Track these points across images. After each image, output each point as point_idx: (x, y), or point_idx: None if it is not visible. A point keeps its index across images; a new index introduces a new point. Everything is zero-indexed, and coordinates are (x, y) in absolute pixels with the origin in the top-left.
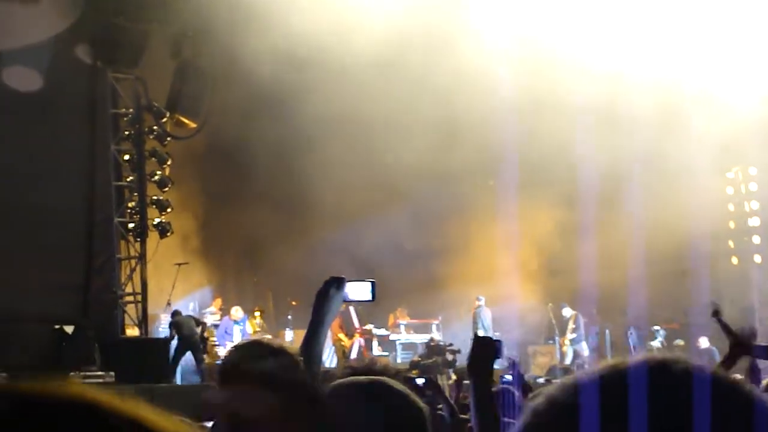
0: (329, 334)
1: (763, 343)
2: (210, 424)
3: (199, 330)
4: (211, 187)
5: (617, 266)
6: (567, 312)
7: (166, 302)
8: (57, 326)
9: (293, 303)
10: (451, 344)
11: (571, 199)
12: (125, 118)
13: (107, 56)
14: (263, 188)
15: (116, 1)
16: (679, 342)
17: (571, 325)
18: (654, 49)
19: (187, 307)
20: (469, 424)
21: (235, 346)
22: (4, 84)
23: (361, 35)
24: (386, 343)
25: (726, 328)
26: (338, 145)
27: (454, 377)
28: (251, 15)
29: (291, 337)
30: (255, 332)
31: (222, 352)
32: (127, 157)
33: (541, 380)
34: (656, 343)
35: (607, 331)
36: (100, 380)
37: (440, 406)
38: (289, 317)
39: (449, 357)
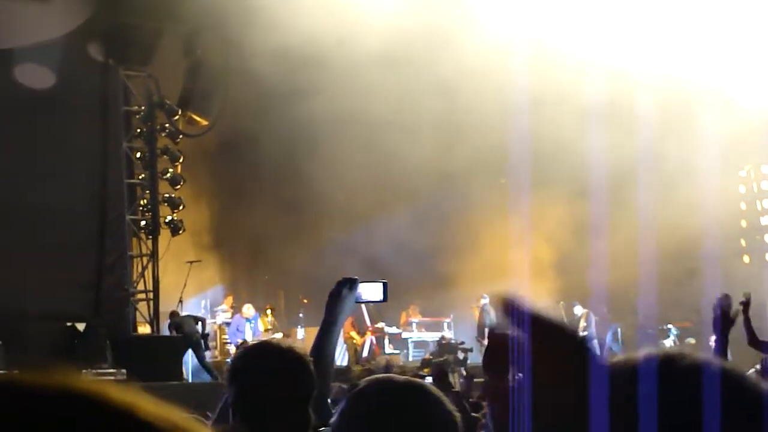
0: (341, 332)
1: None
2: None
3: (199, 326)
4: (222, 184)
5: (628, 264)
6: (578, 310)
7: (178, 300)
8: (69, 324)
9: (305, 301)
10: (462, 342)
11: (581, 197)
12: (137, 116)
13: (119, 54)
14: (272, 186)
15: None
16: (691, 340)
17: (582, 324)
18: (665, 46)
19: (199, 305)
20: (483, 421)
21: (244, 347)
22: (16, 82)
23: (366, 33)
24: (398, 341)
25: (748, 321)
26: (346, 143)
27: (465, 375)
28: (258, 12)
29: (302, 335)
30: (266, 330)
31: (233, 350)
32: (139, 154)
33: None
34: (669, 342)
35: (618, 330)
36: (112, 377)
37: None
38: (301, 315)
39: (460, 355)
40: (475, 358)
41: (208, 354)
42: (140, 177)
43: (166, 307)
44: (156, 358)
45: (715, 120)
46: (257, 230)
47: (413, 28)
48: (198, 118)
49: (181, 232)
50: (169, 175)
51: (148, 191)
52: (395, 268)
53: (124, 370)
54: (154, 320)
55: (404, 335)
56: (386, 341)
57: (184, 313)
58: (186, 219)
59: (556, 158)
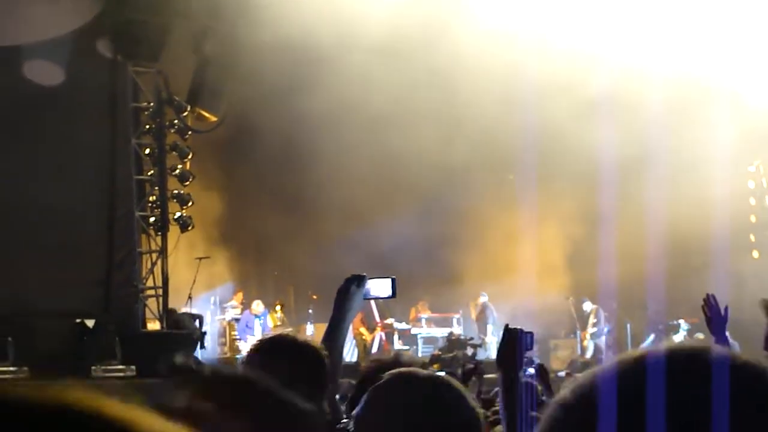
0: (350, 327)
1: None
2: None
3: (197, 324)
4: (230, 180)
5: (637, 260)
6: (588, 306)
7: (187, 296)
8: (78, 320)
9: (314, 297)
10: (471, 338)
11: (591, 193)
12: (146, 112)
13: (128, 50)
14: (279, 182)
15: None
16: (700, 336)
17: (592, 320)
18: (674, 40)
19: (209, 301)
20: (495, 417)
21: (259, 341)
22: (25, 78)
23: (366, 26)
24: (407, 337)
25: None
26: (350, 139)
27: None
28: (260, 7)
29: (312, 331)
30: (276, 326)
31: (243, 346)
32: (147, 151)
33: (561, 374)
34: (679, 337)
35: (628, 326)
36: (121, 374)
37: None
38: (310, 311)
39: (470, 351)
40: (481, 354)
41: (217, 351)
42: (149, 173)
43: (175, 303)
44: (166, 355)
45: (724, 115)
46: (266, 226)
47: (413, 20)
48: (207, 114)
49: (190, 228)
50: (178, 171)
51: (157, 188)
52: (404, 264)
53: (133, 367)
54: (163, 317)
55: (413, 331)
56: (395, 337)
57: (191, 310)
58: (195, 215)
59: (564, 153)
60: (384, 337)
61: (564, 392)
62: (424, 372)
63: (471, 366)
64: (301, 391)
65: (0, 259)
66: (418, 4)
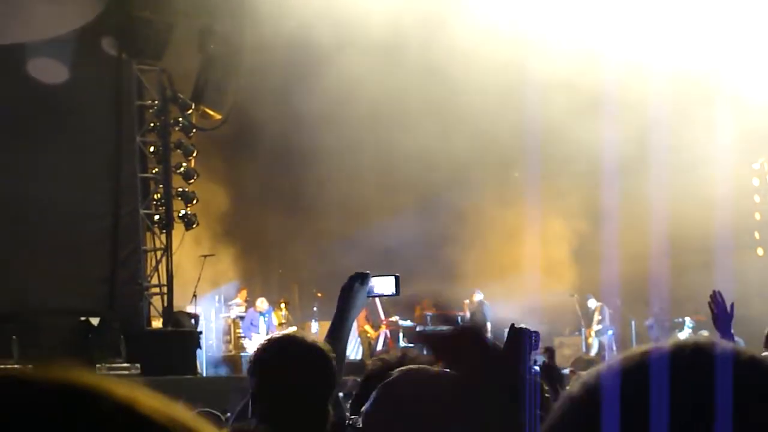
0: (355, 325)
1: None
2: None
3: (193, 323)
4: (234, 178)
5: (642, 258)
6: (592, 303)
7: (192, 294)
8: (83, 318)
9: (319, 294)
10: None
11: (593, 191)
12: (150, 110)
13: (132, 48)
14: (283, 181)
15: None
16: (705, 333)
17: (596, 317)
18: (678, 38)
19: (213, 299)
20: None
21: (267, 341)
22: (29, 76)
23: (366, 23)
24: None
25: None
26: (352, 137)
27: None
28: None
29: (316, 329)
30: (280, 324)
31: (248, 343)
32: (152, 149)
33: (566, 371)
34: (684, 334)
35: (633, 323)
36: (126, 372)
37: None
38: (315, 309)
39: None
40: None
41: (222, 348)
42: (154, 171)
43: (180, 301)
44: (170, 353)
45: (728, 113)
46: (271, 224)
47: (414, 18)
48: (211, 112)
49: (194, 226)
50: (182, 169)
51: (161, 185)
52: (409, 262)
53: (138, 365)
54: (169, 315)
55: (418, 329)
56: (400, 335)
57: (195, 308)
58: (199, 213)
59: (566, 150)
60: (389, 335)
61: (569, 389)
62: (434, 369)
63: None
64: (310, 391)
65: (4, 256)
66: (420, 1)
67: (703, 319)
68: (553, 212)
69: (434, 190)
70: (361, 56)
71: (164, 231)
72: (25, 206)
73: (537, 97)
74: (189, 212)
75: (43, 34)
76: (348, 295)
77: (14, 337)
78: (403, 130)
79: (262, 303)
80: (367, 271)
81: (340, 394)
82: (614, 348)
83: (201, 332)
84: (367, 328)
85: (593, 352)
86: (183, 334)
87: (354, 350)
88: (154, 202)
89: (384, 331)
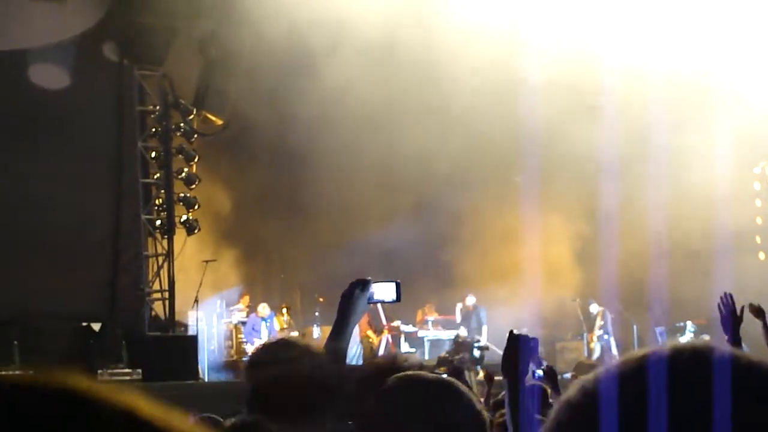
0: (357, 330)
1: None
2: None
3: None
4: (235, 183)
5: (643, 262)
6: (594, 308)
7: (193, 300)
8: (84, 324)
9: (321, 300)
10: (478, 340)
11: (593, 195)
12: (152, 116)
13: (133, 54)
14: (284, 186)
15: None
16: (706, 337)
17: (599, 322)
18: (679, 40)
19: (215, 305)
20: (502, 420)
21: (264, 345)
22: (31, 82)
23: (361, 26)
24: (414, 340)
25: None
26: (350, 140)
27: (482, 374)
28: (254, 7)
29: (318, 334)
30: (282, 329)
31: (249, 349)
32: (153, 154)
33: (567, 376)
34: (685, 339)
35: (634, 327)
36: (127, 377)
37: None
38: (317, 314)
39: (476, 353)
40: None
41: (223, 354)
42: (155, 176)
43: (181, 306)
44: (171, 358)
45: (729, 117)
46: (272, 229)
47: (410, 19)
48: (213, 117)
49: (196, 231)
50: (184, 174)
51: (163, 191)
52: (410, 263)
53: (139, 370)
54: (172, 321)
55: (420, 333)
56: (402, 340)
57: (197, 313)
58: (201, 218)
59: (565, 153)
60: (391, 340)
61: (568, 393)
62: (430, 375)
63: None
64: (309, 398)
65: (6, 261)
66: (416, 2)
67: (704, 323)
68: (553, 216)
69: (433, 192)
70: (356, 57)
71: (166, 236)
72: (26, 211)
73: (535, 98)
74: (190, 218)
75: (44, 40)
76: (348, 302)
77: (15, 342)
78: (400, 132)
79: (264, 308)
80: (369, 278)
81: None
82: (615, 352)
83: (195, 336)
84: (370, 333)
85: (595, 356)
86: (184, 339)
87: (356, 355)
88: (156, 208)
89: (386, 336)
